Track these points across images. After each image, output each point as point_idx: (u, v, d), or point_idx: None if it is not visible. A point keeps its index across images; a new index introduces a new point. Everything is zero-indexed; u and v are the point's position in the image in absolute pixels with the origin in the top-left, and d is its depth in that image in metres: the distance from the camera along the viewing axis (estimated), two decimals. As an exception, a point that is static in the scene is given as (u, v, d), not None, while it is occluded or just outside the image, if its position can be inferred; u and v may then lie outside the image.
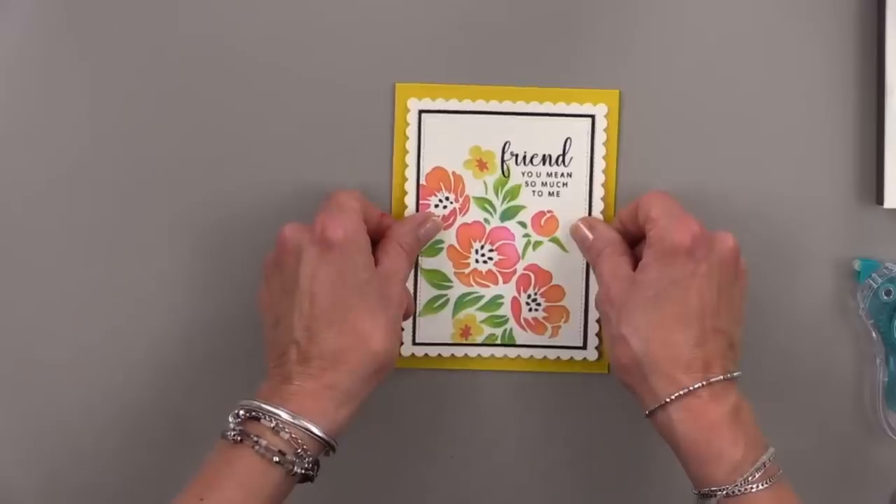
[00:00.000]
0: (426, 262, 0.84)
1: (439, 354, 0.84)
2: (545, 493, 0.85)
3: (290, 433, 0.73)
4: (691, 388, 0.74)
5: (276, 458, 0.73)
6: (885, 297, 0.83)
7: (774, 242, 0.84)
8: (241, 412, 0.74)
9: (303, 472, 0.74)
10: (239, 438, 0.73)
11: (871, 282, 0.83)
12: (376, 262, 0.78)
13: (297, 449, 0.73)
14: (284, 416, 0.73)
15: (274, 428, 0.73)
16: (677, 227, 0.76)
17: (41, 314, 0.84)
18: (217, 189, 0.83)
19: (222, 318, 0.84)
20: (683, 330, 0.75)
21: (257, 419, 0.74)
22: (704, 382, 0.74)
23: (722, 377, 0.74)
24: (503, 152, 0.84)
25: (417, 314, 0.84)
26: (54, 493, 0.85)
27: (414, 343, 0.84)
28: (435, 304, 0.84)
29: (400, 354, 0.84)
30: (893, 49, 0.81)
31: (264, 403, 0.74)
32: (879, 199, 0.82)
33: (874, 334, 0.83)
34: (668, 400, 0.74)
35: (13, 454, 0.84)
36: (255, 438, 0.73)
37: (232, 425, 0.74)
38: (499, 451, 0.85)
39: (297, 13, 0.83)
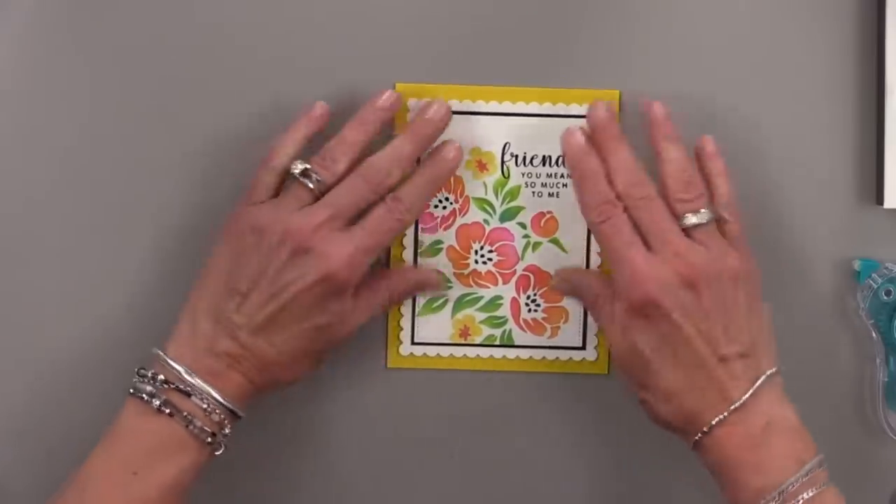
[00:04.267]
0: (426, 263, 0.84)
1: (438, 354, 0.84)
2: (545, 493, 0.85)
3: (220, 415, 0.75)
4: (713, 423, 0.75)
5: (208, 440, 0.74)
6: (885, 297, 0.83)
7: (774, 242, 0.84)
8: (162, 378, 0.74)
9: (221, 450, 0.76)
10: (168, 412, 0.74)
11: (871, 282, 0.83)
12: (355, 293, 0.78)
13: (223, 429, 0.75)
14: (217, 397, 0.75)
15: (206, 409, 0.74)
16: (630, 285, 0.76)
17: (41, 313, 0.84)
18: (217, 189, 0.83)
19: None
20: (691, 381, 0.75)
21: (187, 395, 0.74)
22: (726, 413, 0.74)
23: (740, 400, 0.74)
24: (503, 153, 0.83)
25: (416, 314, 0.84)
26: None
27: (413, 343, 0.84)
28: (434, 305, 0.84)
29: (399, 354, 0.84)
30: (893, 49, 0.81)
31: (195, 378, 0.74)
32: (879, 199, 0.82)
33: (874, 334, 0.83)
34: (697, 439, 0.75)
35: (13, 455, 0.85)
36: (189, 417, 0.74)
37: (151, 389, 0.74)
38: (498, 452, 0.85)
39: (296, 13, 0.83)
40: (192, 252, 0.83)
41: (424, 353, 0.84)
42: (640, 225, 0.77)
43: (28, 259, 0.84)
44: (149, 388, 0.74)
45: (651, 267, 0.75)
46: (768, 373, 0.76)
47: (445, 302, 0.84)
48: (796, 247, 0.84)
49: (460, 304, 0.84)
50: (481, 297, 0.84)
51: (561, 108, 0.83)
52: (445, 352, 0.84)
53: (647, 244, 0.77)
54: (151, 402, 0.74)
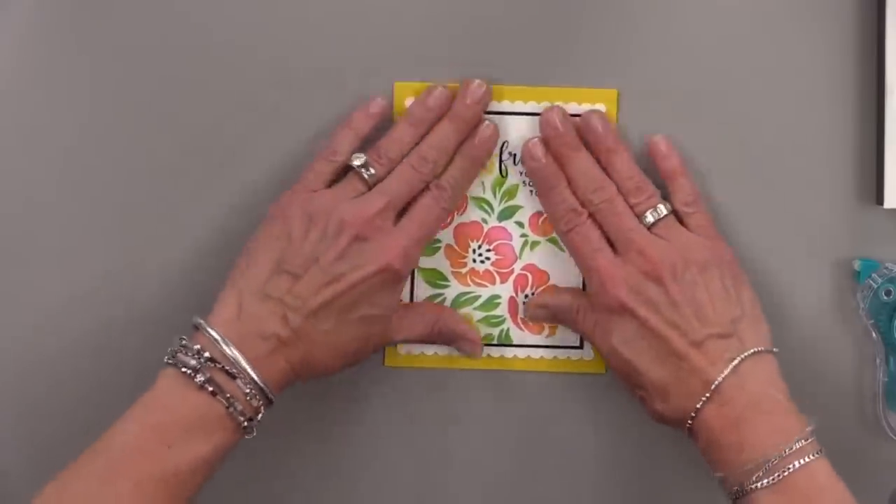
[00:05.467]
0: (423, 262, 0.84)
1: (435, 353, 0.84)
2: (544, 493, 0.85)
3: (259, 400, 0.74)
4: (697, 406, 0.75)
5: (245, 424, 0.74)
6: (885, 297, 0.82)
7: (774, 242, 0.83)
8: (208, 356, 0.73)
9: (253, 434, 0.75)
10: (211, 390, 0.73)
11: (871, 282, 0.82)
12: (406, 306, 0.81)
13: (258, 414, 0.75)
14: (259, 382, 0.74)
15: (247, 393, 0.74)
16: (600, 291, 0.78)
17: (42, 312, 0.84)
18: (216, 188, 0.84)
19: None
20: (674, 372, 0.76)
21: (233, 377, 0.74)
22: (707, 395, 0.75)
23: (717, 379, 0.75)
24: (501, 152, 0.83)
25: (415, 314, 0.84)
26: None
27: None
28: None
29: (396, 352, 0.84)
30: (893, 49, 0.80)
31: (242, 360, 0.74)
32: (879, 199, 0.82)
33: (874, 334, 0.83)
34: (688, 426, 0.76)
35: (12, 456, 0.85)
36: (231, 399, 0.73)
37: (195, 363, 0.73)
38: (496, 451, 0.85)
39: (295, 13, 0.83)
40: (192, 252, 0.84)
41: (422, 352, 0.84)
42: (605, 228, 0.79)
43: (28, 259, 0.84)
44: (192, 362, 0.73)
45: (617, 269, 0.77)
46: (751, 350, 0.76)
47: (443, 301, 0.84)
48: (796, 247, 0.84)
49: (458, 303, 0.84)
50: (479, 297, 0.84)
51: (559, 108, 0.83)
52: (443, 351, 0.84)
53: (613, 247, 0.78)
54: (195, 378, 0.73)
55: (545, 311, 0.83)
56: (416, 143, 0.80)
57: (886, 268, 0.82)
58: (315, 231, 0.77)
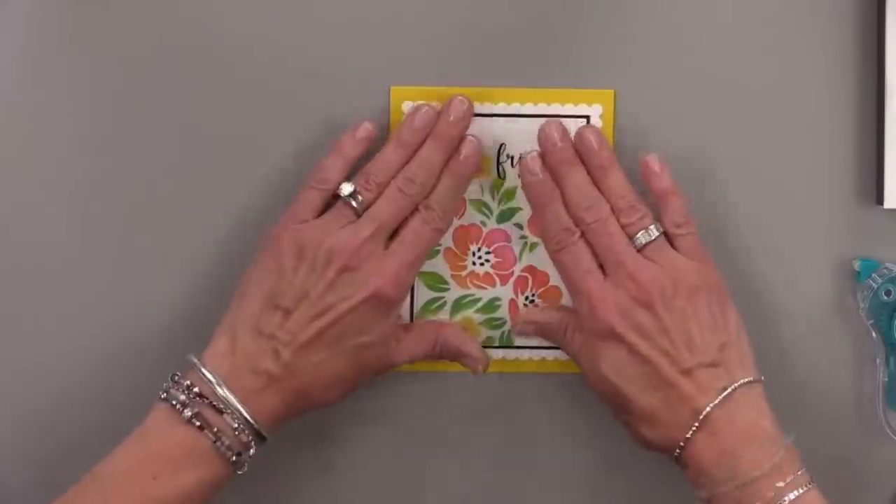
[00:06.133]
0: (423, 265, 0.83)
1: (437, 357, 0.85)
2: (545, 493, 0.85)
3: (249, 436, 0.75)
4: (686, 436, 0.75)
5: (233, 458, 0.74)
6: (885, 297, 0.82)
7: (774, 242, 0.83)
8: (197, 391, 0.74)
9: (244, 469, 0.75)
10: (198, 424, 0.74)
11: (871, 282, 0.82)
12: (405, 329, 0.81)
13: (249, 450, 0.75)
14: (248, 418, 0.74)
15: (236, 428, 0.74)
16: (589, 315, 0.77)
17: (42, 317, 0.84)
18: (214, 191, 0.83)
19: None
20: (663, 400, 0.75)
21: (220, 411, 0.74)
22: (696, 425, 0.74)
23: (707, 408, 0.75)
24: (499, 154, 0.83)
25: (415, 317, 0.84)
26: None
27: (412, 346, 0.84)
28: (432, 307, 0.84)
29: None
30: (893, 49, 0.80)
31: (230, 395, 0.74)
32: (879, 199, 0.82)
33: (874, 334, 0.83)
34: (676, 455, 0.76)
35: (13, 458, 0.85)
36: (218, 433, 0.74)
37: (184, 398, 0.74)
38: (498, 453, 0.85)
39: (290, 17, 0.82)
40: (192, 252, 0.84)
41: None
42: (596, 249, 0.78)
43: (28, 260, 0.84)
44: (182, 396, 0.74)
45: (606, 293, 0.76)
46: (742, 381, 0.75)
47: (444, 304, 0.84)
48: (796, 247, 0.83)
49: (458, 306, 0.84)
50: (479, 299, 0.84)
51: (556, 109, 0.82)
52: (444, 353, 0.85)
53: (603, 268, 0.78)
54: (183, 412, 0.74)
55: (533, 328, 0.82)
56: (405, 164, 0.79)
57: (886, 268, 0.82)
58: (305, 264, 0.77)
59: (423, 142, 0.80)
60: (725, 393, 0.75)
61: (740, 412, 0.75)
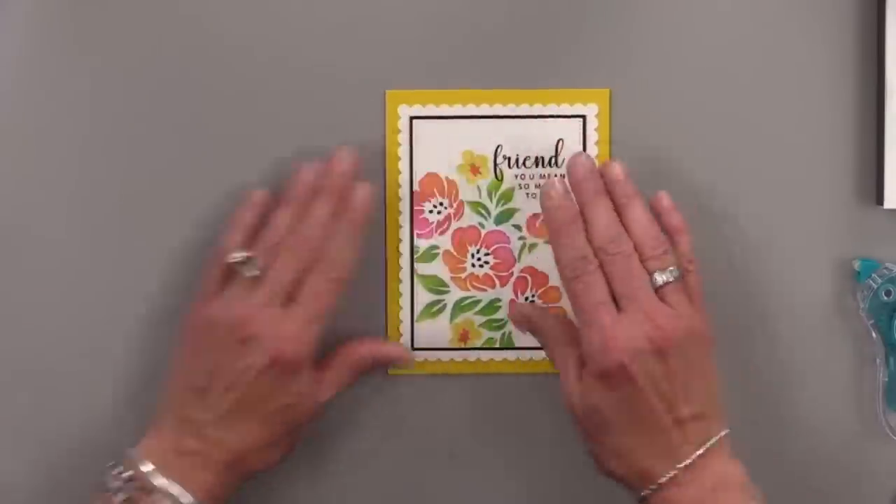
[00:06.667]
0: (422, 268, 0.83)
1: (438, 360, 0.84)
2: (545, 495, 0.86)
3: None
4: (661, 481, 0.75)
5: None
6: (885, 297, 0.82)
7: (774, 242, 0.83)
8: (129, 475, 0.75)
9: None
10: None
11: (871, 282, 0.82)
12: (317, 368, 0.80)
13: None
14: (179, 498, 0.75)
15: None
16: (600, 351, 0.75)
17: (42, 317, 0.84)
18: (211, 193, 0.83)
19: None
20: (645, 441, 0.75)
21: (149, 492, 0.75)
22: (675, 472, 0.74)
23: (689, 459, 0.75)
24: (496, 156, 0.83)
25: (415, 320, 0.84)
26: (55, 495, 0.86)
27: (413, 349, 0.84)
28: (433, 310, 0.84)
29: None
30: (893, 49, 0.79)
31: (158, 478, 0.75)
32: (879, 199, 0.82)
33: (874, 334, 0.83)
34: (645, 495, 0.76)
35: (13, 457, 0.85)
36: None
37: (117, 485, 0.75)
38: (500, 455, 0.85)
39: (286, 22, 0.82)
40: (192, 253, 0.84)
41: (425, 359, 0.84)
42: (612, 280, 0.76)
43: (29, 260, 0.84)
44: (115, 483, 0.75)
45: (621, 331, 0.75)
46: (722, 433, 0.76)
47: (444, 307, 0.84)
48: (796, 247, 0.83)
49: (458, 308, 0.84)
50: (479, 301, 0.84)
51: (552, 109, 0.82)
52: (445, 356, 0.84)
53: (617, 301, 0.76)
54: (114, 497, 0.75)
55: (528, 324, 0.82)
56: (295, 223, 0.79)
57: (886, 268, 0.82)
58: (212, 340, 0.78)
59: (311, 196, 0.80)
60: (709, 444, 0.75)
61: (715, 461, 0.75)
